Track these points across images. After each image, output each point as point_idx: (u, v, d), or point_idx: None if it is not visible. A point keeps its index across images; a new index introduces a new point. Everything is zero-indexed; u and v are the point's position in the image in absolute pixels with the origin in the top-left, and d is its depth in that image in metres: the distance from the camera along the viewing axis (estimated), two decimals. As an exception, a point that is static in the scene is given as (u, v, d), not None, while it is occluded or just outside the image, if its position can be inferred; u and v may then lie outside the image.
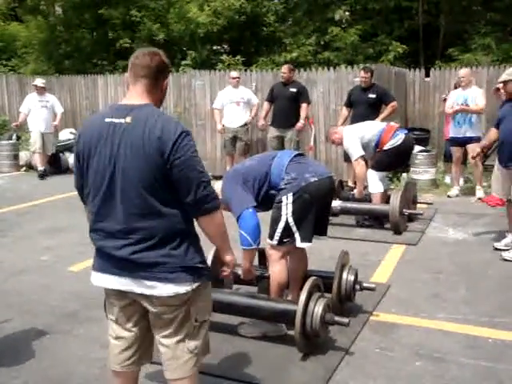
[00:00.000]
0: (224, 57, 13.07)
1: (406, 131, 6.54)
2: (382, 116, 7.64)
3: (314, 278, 3.42)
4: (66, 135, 11.52)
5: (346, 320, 3.32)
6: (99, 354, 3.39)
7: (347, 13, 15.64)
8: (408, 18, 15.31)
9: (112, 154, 2.14)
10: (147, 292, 2.17)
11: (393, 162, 6.36)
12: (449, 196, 7.78)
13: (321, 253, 5.23)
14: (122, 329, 2.35)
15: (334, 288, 3.71)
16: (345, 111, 8.12)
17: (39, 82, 10.22)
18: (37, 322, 3.89)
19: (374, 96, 7.73)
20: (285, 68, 8.52)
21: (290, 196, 3.42)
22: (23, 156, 11.10)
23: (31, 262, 5.27)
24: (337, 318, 3.31)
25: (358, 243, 5.70)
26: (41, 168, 10.04)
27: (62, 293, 4.47)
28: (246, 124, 8.92)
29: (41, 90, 10.08)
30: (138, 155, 2.09)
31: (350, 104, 8.01)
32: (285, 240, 3.47)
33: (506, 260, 5.04)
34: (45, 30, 15.59)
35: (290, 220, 3.44)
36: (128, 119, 2.13)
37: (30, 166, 10.94)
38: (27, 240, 6.05)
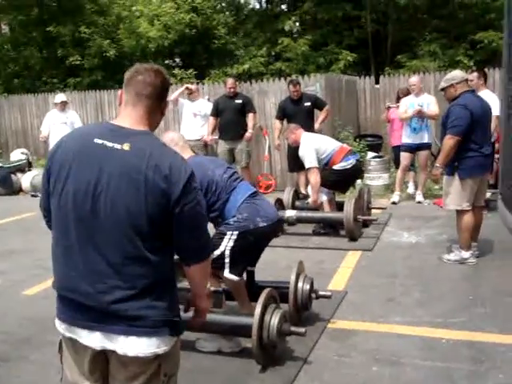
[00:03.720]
0: (176, 71, 13.07)
1: (358, 157, 6.65)
2: (319, 120, 8.04)
3: (269, 289, 3.45)
4: (18, 156, 11.27)
5: (302, 330, 3.36)
6: (56, 378, 3.31)
7: (297, 23, 15.93)
8: (357, 26, 15.71)
9: (98, 183, 1.82)
10: (120, 351, 1.86)
11: (337, 182, 6.42)
12: (393, 202, 7.85)
13: (277, 263, 5.27)
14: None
15: (290, 298, 3.74)
16: (278, 124, 8.28)
17: (59, 98, 9.55)
18: (-10, 350, 3.79)
19: (309, 104, 8.03)
20: (232, 82, 8.60)
21: (235, 234, 3.48)
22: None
23: (-17, 288, 5.13)
24: (293, 329, 3.34)
25: (313, 251, 5.76)
26: None
27: (16, 318, 4.35)
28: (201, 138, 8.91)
29: (61, 106, 9.46)
30: (136, 191, 1.80)
31: (282, 116, 8.21)
32: (213, 265, 3.27)
33: (448, 261, 5.18)
34: (-9, 49, 15.30)
35: (227, 253, 3.50)
36: (126, 146, 1.83)
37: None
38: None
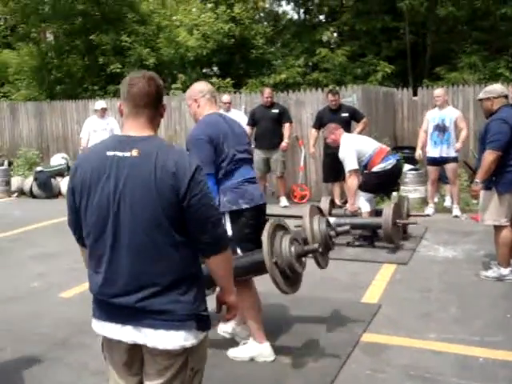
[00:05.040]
0: (214, 80, 13.19)
1: (398, 157, 6.60)
2: (355, 132, 7.92)
3: (274, 219, 3.26)
4: (58, 160, 11.55)
5: (315, 245, 3.24)
6: (88, 380, 3.37)
7: (335, 34, 15.92)
8: (395, 38, 15.58)
9: (116, 191, 1.95)
10: (150, 344, 1.98)
11: (379, 185, 6.40)
12: (427, 215, 7.65)
13: (312, 274, 5.24)
14: (124, 379, 2.13)
15: (309, 241, 3.50)
16: (314, 132, 8.36)
17: (99, 105, 9.62)
18: (27, 350, 3.87)
19: (347, 115, 8.06)
20: (269, 92, 8.67)
21: (228, 216, 3.42)
22: (15, 182, 11.10)
23: (22, 288, 5.25)
24: (306, 248, 3.22)
25: (348, 263, 5.71)
26: None
27: (53, 320, 4.45)
28: None
29: (101, 113, 9.52)
30: (149, 192, 1.92)
31: (319, 126, 8.22)
32: None
33: (486, 278, 5.08)
34: (36, 57, 15.68)
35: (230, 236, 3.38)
36: (134, 152, 1.96)
37: (22, 192, 10.94)
38: (18, 266, 6.02)
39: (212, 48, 14.17)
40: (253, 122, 8.69)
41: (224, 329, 3.92)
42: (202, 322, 2.03)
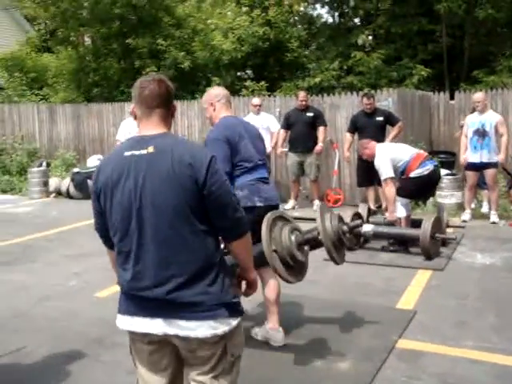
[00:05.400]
0: (248, 83, 13.23)
1: (436, 163, 6.49)
2: (391, 136, 7.94)
3: (273, 211, 3.21)
4: (94, 162, 11.74)
5: (314, 233, 3.20)
6: (125, 379, 3.42)
7: (370, 37, 15.76)
8: (431, 41, 15.34)
9: (137, 188, 2.03)
10: (182, 334, 2.04)
11: (416, 191, 6.31)
12: (464, 221, 7.56)
13: (344, 278, 5.21)
14: (154, 375, 2.18)
15: (323, 239, 3.31)
16: (349, 137, 8.35)
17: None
18: (64, 347, 3.95)
19: (381, 119, 8.02)
20: (303, 95, 8.66)
21: None
22: (53, 183, 11.34)
23: (59, 287, 5.37)
24: (306, 236, 3.17)
25: (382, 268, 5.66)
26: None
27: (88, 318, 4.53)
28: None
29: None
30: (169, 184, 2.01)
31: (355, 130, 8.24)
32: None
33: None
34: (74, 60, 16.00)
35: None
36: (150, 149, 2.06)
37: (59, 193, 11.17)
38: (55, 266, 6.15)
39: (247, 51, 14.21)
40: (287, 125, 8.69)
41: (257, 332, 3.92)
42: (233, 309, 2.10)
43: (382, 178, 6.24)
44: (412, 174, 6.18)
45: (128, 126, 9.57)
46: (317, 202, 8.79)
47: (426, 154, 6.58)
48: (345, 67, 14.53)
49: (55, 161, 12.37)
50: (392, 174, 6.17)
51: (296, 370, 3.49)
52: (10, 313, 4.70)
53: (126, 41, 14.77)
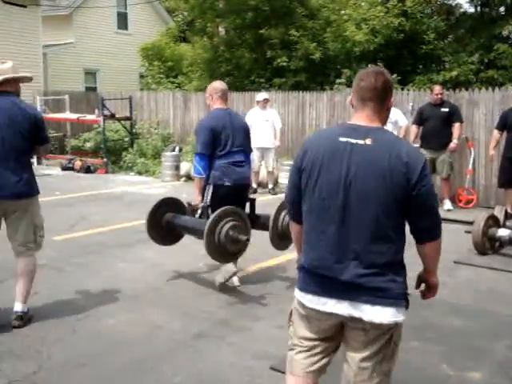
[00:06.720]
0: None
1: None
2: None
3: (227, 207, 4.37)
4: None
5: (244, 237, 4.36)
6: (250, 363, 3.50)
7: (516, 28, 14.67)
8: None
9: (348, 175, 2.12)
10: (366, 318, 2.13)
11: None
12: None
13: (477, 283, 4.94)
14: (314, 342, 2.30)
15: (270, 225, 4.53)
16: (497, 134, 7.65)
17: (261, 96, 9.85)
18: (193, 325, 4.13)
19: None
20: (439, 89, 8.29)
21: (211, 187, 4.59)
22: (184, 167, 11.87)
23: (189, 267, 5.61)
24: (240, 236, 4.33)
25: (520, 277, 5.28)
26: (253, 185, 8.86)
27: (217, 300, 4.68)
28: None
29: (263, 104, 9.71)
30: (382, 178, 2.08)
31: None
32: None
33: None
34: (209, 50, 16.60)
35: (208, 203, 4.62)
36: (368, 141, 2.12)
37: (188, 176, 11.67)
38: (185, 247, 6.41)
39: (379, 43, 13.85)
40: (420, 120, 8.38)
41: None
42: (408, 302, 2.20)
43: None
44: None
45: (254, 114, 9.76)
46: (447, 202, 8.39)
47: None
48: (486, 60, 13.68)
49: (187, 146, 12.91)
50: None
51: (424, 374, 3.36)
52: (145, 287, 5.00)
53: (259, 31, 15.02)
